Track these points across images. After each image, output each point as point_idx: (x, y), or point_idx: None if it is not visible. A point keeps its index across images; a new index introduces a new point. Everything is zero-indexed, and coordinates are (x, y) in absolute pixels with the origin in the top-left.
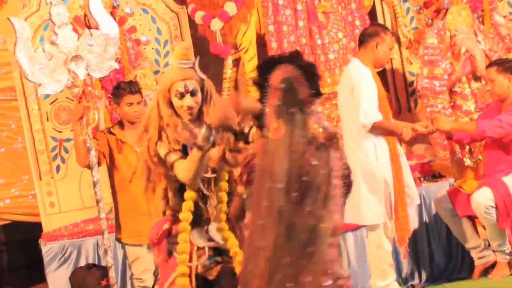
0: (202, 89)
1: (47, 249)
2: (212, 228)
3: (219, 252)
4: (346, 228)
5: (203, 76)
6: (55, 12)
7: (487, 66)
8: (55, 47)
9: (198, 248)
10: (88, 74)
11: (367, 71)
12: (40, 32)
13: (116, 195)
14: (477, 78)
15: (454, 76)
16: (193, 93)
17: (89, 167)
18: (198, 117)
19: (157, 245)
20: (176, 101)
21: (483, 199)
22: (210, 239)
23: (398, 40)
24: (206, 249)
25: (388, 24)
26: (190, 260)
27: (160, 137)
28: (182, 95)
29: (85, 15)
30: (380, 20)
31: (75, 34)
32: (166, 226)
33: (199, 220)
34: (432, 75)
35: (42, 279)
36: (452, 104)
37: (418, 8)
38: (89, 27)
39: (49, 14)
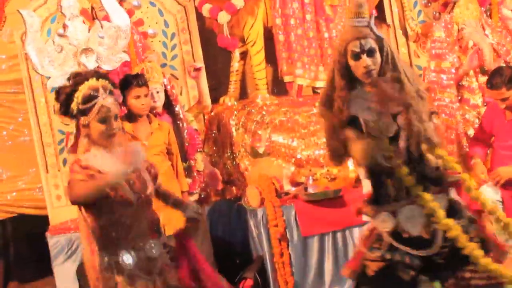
0: (381, 49)
1: (54, 242)
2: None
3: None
4: (352, 223)
5: (382, 35)
6: (66, 4)
7: (491, 88)
8: (65, 40)
9: None
10: (98, 67)
11: None
12: (47, 25)
13: None
14: (484, 72)
15: (462, 70)
16: (370, 53)
17: None
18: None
19: None
20: (352, 63)
21: (489, 193)
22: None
23: (405, 34)
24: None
25: (396, 18)
26: None
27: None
28: (357, 56)
29: (92, 8)
30: (387, 14)
31: (86, 26)
32: None
33: None
34: (440, 68)
35: (49, 272)
36: (459, 98)
37: (426, 1)
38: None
39: (60, 6)
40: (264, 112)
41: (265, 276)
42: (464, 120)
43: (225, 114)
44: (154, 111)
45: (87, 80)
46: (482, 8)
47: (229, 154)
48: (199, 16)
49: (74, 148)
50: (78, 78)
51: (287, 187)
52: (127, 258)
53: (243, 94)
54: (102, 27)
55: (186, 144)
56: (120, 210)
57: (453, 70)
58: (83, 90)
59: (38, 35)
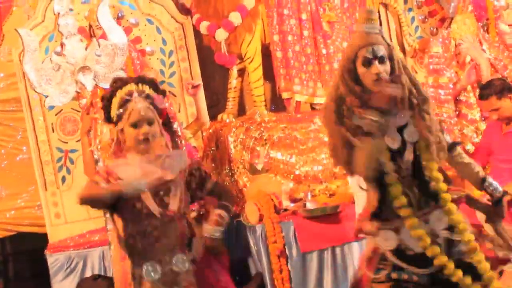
0: (391, 58)
1: (53, 259)
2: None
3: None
4: (351, 238)
5: (391, 43)
6: (63, 22)
7: (482, 98)
8: (62, 58)
9: None
10: (96, 85)
11: None
12: (45, 43)
13: None
14: None
15: (459, 85)
16: (381, 60)
17: None
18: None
19: None
20: (362, 70)
21: None
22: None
23: (403, 49)
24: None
25: (393, 34)
26: None
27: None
28: (369, 62)
29: (90, 26)
30: (385, 29)
31: (83, 44)
32: None
33: None
34: (437, 84)
35: None
36: (457, 113)
37: (423, 17)
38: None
39: (57, 24)
40: (262, 129)
41: None
42: (462, 135)
43: (223, 131)
44: None
45: (125, 85)
46: (479, 23)
47: (227, 170)
48: (197, 34)
49: (113, 155)
50: (116, 84)
51: (286, 203)
52: (150, 272)
53: (241, 111)
54: (99, 45)
55: None
56: (147, 221)
57: (450, 85)
58: (120, 95)
59: (36, 54)
